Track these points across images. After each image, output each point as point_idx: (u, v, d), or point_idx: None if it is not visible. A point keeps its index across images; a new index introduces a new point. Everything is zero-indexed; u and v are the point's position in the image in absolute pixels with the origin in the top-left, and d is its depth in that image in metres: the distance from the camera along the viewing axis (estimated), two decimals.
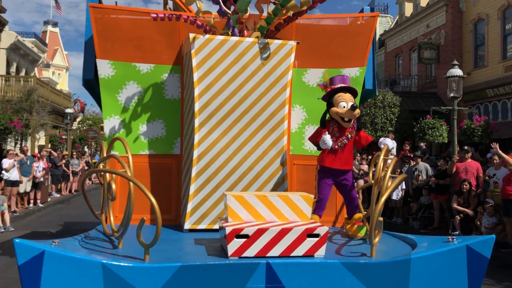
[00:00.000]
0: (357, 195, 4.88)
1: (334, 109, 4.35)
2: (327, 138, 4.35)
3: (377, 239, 3.73)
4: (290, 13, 4.86)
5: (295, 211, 3.88)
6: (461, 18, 20.48)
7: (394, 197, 12.67)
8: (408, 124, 16.97)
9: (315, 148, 4.80)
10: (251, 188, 4.86)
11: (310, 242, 3.56)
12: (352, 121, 4.44)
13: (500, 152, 8.72)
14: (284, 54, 4.85)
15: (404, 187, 12.48)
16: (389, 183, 3.82)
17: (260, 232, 3.50)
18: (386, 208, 13.51)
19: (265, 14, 5.03)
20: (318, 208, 4.54)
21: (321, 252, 3.59)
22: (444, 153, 11.94)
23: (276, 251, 3.51)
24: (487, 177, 10.09)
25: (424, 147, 12.57)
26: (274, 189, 4.89)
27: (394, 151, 13.74)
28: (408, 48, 24.22)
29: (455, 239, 3.73)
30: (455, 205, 10.20)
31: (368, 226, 3.74)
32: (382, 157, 4.28)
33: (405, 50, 24.58)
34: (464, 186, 10.14)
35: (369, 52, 5.48)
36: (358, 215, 4.65)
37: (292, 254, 3.52)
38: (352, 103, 4.34)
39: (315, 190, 4.63)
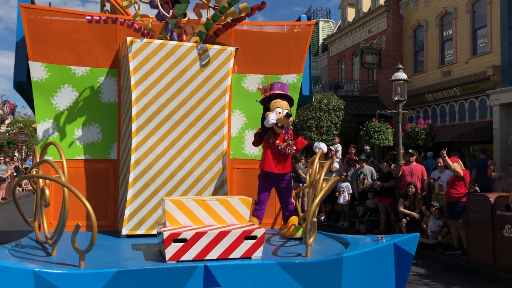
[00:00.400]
0: (293, 200, 5.04)
1: (270, 113, 4.50)
2: (271, 116, 4.44)
3: (311, 239, 3.88)
4: (229, 19, 4.92)
5: (234, 214, 3.96)
6: (402, 24, 21.00)
7: (341, 201, 12.58)
8: (352, 127, 17.06)
9: (255, 152, 5.10)
10: (190, 192, 4.89)
11: (247, 244, 3.65)
12: (286, 127, 4.62)
13: (447, 158, 8.76)
14: (223, 59, 4.92)
15: (350, 191, 12.41)
16: (324, 185, 3.97)
17: (198, 236, 3.56)
18: (332, 212, 13.42)
19: (204, 19, 5.07)
20: (257, 211, 4.68)
21: (258, 254, 3.68)
22: (386, 156, 11.99)
23: (214, 254, 3.58)
24: (431, 180, 10.16)
25: (368, 150, 12.59)
26: (214, 193, 4.94)
27: (339, 154, 13.70)
28: (351, 53, 24.57)
29: (384, 238, 3.96)
30: (401, 208, 10.18)
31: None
32: (317, 160, 4.38)
33: (348, 55, 24.92)
34: (410, 189, 10.14)
35: (306, 59, 5.64)
36: (294, 218, 4.79)
37: (230, 257, 3.61)
38: (288, 110, 4.53)
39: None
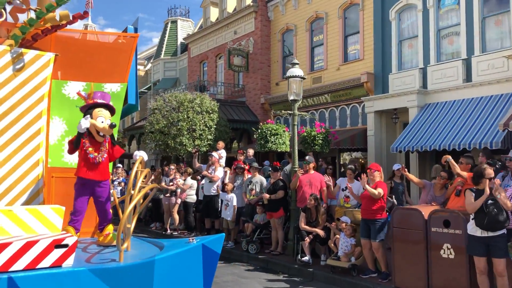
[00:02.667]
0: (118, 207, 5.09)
1: (93, 121, 4.46)
2: (83, 120, 4.42)
3: (125, 245, 4.01)
4: (49, 25, 4.79)
5: (45, 224, 3.95)
6: (270, 27, 20.21)
7: (224, 216, 10.71)
8: (227, 132, 15.41)
9: (76, 160, 4.82)
10: (1, 202, 4.68)
11: (58, 252, 3.60)
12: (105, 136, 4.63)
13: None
14: (41, 65, 4.83)
15: (235, 203, 10.63)
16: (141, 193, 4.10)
17: (1, 248, 3.46)
18: (212, 229, 11.49)
19: (21, 22, 4.89)
20: (73, 220, 4.53)
21: (69, 262, 3.65)
22: (275, 162, 10.57)
23: (20, 264, 3.49)
24: (341, 190, 8.91)
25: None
26: (28, 202, 4.76)
27: (223, 162, 11.82)
28: (214, 54, 23.04)
29: (194, 240, 4.27)
30: (303, 225, 8.73)
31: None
32: (135, 168, 4.36)
33: (211, 56, 23.33)
34: (310, 202, 8.77)
35: (132, 69, 5.68)
36: (110, 226, 4.72)
37: (38, 266, 3.52)
38: (109, 121, 4.53)
39: None
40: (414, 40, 14.24)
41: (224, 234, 4.47)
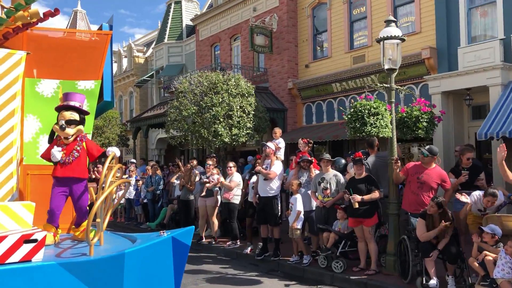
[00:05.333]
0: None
1: (54, 126, 4.72)
2: (55, 152, 4.65)
3: (95, 239, 4.06)
4: (20, 23, 4.72)
5: (15, 219, 4.07)
6: (296, 1, 17.78)
7: (295, 223, 8.28)
8: (265, 119, 12.99)
9: None
10: None
11: (27, 247, 3.68)
12: (76, 136, 4.74)
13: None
14: (12, 63, 4.83)
15: (300, 207, 8.23)
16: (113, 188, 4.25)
17: None
18: (270, 240, 9.09)
19: None
20: (51, 218, 4.66)
21: (39, 256, 3.71)
22: (357, 152, 8.16)
23: None
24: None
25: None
26: (3, 199, 4.63)
27: (282, 153, 9.43)
28: (228, 35, 20.54)
29: (165, 233, 4.42)
30: (424, 236, 6.38)
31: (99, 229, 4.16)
32: (107, 163, 4.45)
33: (224, 38, 20.82)
34: (431, 207, 6.48)
35: (107, 66, 5.64)
36: (85, 223, 4.64)
37: (8, 261, 3.60)
38: (63, 122, 4.65)
39: None
40: (490, 7, 11.98)
41: (194, 226, 4.69)
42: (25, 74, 5.03)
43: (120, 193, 11.39)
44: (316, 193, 8.20)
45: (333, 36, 16.34)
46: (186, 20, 24.78)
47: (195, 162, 11.17)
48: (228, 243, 10.03)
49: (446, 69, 12.54)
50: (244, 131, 11.69)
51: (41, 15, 4.65)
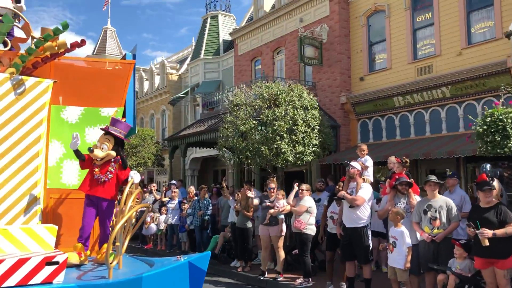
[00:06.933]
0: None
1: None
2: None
3: (115, 262, 4.29)
4: (48, 53, 4.98)
5: (39, 242, 4.24)
6: (348, 10, 16.46)
7: (391, 262, 6.71)
8: (331, 135, 11.51)
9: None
10: (0, 221, 4.76)
11: (49, 269, 3.81)
12: (108, 158, 5.07)
13: None
14: (40, 91, 5.05)
15: (408, 240, 6.66)
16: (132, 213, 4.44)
17: None
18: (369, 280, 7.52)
19: (23, 51, 5.14)
20: (81, 236, 4.87)
21: (60, 278, 3.85)
22: (481, 173, 6.57)
23: (12, 281, 3.71)
24: None
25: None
26: (27, 222, 4.87)
27: (371, 173, 7.89)
28: (271, 49, 19.27)
29: (182, 258, 4.57)
30: None
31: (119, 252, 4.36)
32: (127, 189, 4.62)
33: (266, 52, 19.57)
34: None
35: (129, 94, 5.83)
36: (105, 246, 4.76)
37: (30, 283, 3.74)
38: (91, 146, 5.09)
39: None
40: None
41: (210, 252, 4.89)
42: (51, 101, 5.24)
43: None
44: (421, 224, 6.63)
45: (392, 45, 14.91)
46: (223, 35, 23.70)
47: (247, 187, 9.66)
48: (298, 281, 8.46)
49: None
50: (310, 149, 10.21)
51: (68, 46, 4.83)
